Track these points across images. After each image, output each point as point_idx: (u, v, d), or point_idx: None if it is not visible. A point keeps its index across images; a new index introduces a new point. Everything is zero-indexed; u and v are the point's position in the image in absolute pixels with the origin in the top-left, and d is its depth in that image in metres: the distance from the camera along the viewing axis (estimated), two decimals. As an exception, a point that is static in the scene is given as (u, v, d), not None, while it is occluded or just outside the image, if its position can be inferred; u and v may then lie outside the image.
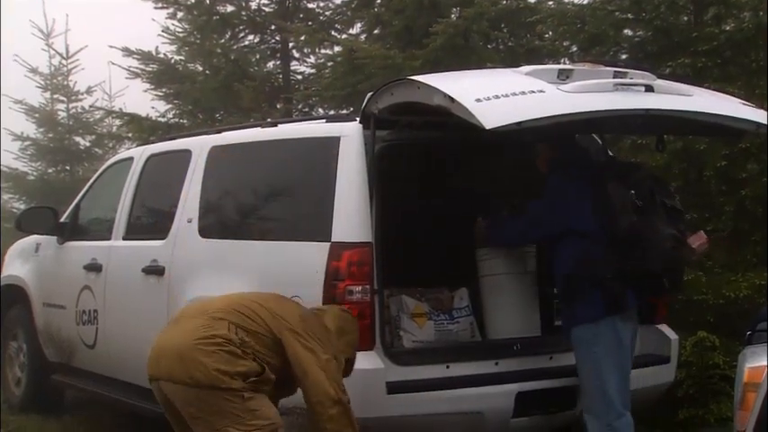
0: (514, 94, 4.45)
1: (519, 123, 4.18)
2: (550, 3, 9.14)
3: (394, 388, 4.71)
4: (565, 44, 8.38)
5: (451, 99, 4.34)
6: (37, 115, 13.71)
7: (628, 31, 7.61)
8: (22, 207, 12.78)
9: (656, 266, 4.78)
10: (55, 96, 13.91)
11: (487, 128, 4.11)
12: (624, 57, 7.75)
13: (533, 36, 8.93)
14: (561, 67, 5.07)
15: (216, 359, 4.02)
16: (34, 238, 7.81)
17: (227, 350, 4.04)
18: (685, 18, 7.27)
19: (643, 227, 4.78)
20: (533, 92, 4.51)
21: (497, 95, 4.38)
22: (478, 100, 4.30)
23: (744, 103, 5.16)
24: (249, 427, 4.03)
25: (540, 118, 4.31)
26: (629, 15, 7.38)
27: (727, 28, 7.11)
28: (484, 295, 5.38)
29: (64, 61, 13.79)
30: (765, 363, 3.95)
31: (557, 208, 4.92)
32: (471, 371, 4.96)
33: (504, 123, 4.16)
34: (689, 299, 6.23)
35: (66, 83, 13.89)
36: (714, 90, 6.59)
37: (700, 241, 5.02)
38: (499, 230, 5.29)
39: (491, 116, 4.18)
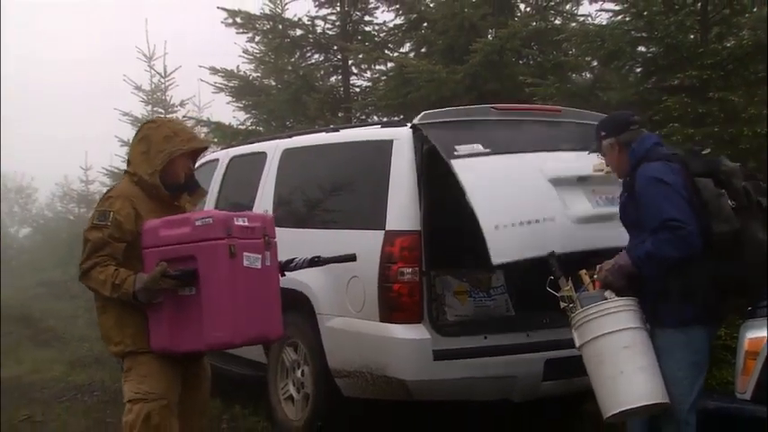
0: (529, 222, 4.52)
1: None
2: (574, 24, 9.05)
3: (439, 355, 4.68)
4: (587, 59, 8.28)
5: (478, 218, 4.38)
6: (140, 125, 13.88)
7: (642, 48, 7.47)
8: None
9: (755, 279, 3.79)
10: (155, 109, 14.09)
11: (494, 263, 4.36)
12: (638, 70, 7.63)
13: (560, 52, 8.83)
14: (580, 174, 4.85)
15: (110, 332, 3.84)
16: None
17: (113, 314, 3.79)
18: (692, 36, 7.13)
19: (741, 234, 3.74)
20: (545, 220, 4.59)
21: (513, 223, 4.48)
22: (497, 227, 4.40)
23: None
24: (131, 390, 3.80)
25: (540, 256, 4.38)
26: (643, 34, 7.25)
27: (729, 45, 6.98)
28: (611, 363, 3.87)
29: (162, 79, 13.98)
30: (764, 334, 3.86)
31: (675, 196, 3.79)
32: (506, 341, 4.90)
33: (507, 261, 4.46)
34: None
35: (163, 97, 14.08)
36: (718, 98, 6.50)
37: None
38: (651, 259, 3.81)
39: (499, 252, 4.37)
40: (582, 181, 4.87)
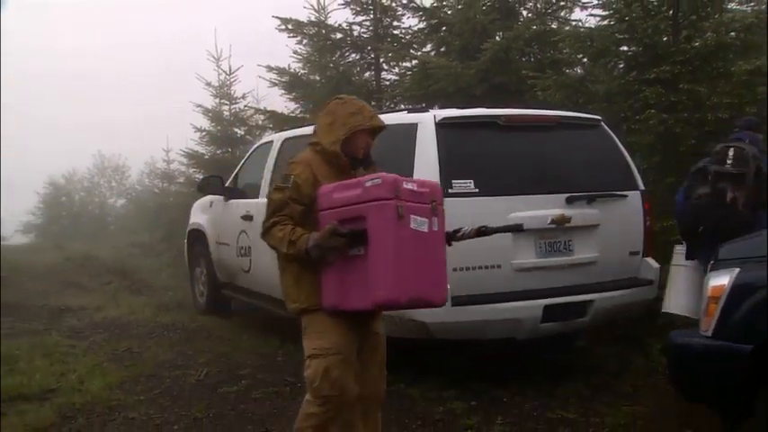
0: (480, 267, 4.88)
1: None
2: (567, 27, 8.93)
3: (457, 301, 4.68)
4: (578, 57, 8.19)
5: None
6: (210, 114, 13.91)
7: (624, 47, 7.37)
8: (200, 177, 13.05)
9: (725, 229, 4.51)
10: (222, 101, 14.09)
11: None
12: (621, 66, 7.51)
13: (556, 51, 8.69)
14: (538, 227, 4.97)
15: (288, 290, 3.48)
16: (209, 197, 7.96)
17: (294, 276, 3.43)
18: (665, 38, 7.03)
19: (716, 196, 4.79)
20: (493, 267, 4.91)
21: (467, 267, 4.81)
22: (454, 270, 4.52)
23: None
24: (310, 347, 3.41)
25: None
26: (625, 36, 7.16)
27: (696, 45, 6.88)
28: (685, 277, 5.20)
29: (228, 77, 13.93)
30: (724, 282, 3.83)
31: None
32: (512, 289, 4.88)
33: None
34: (667, 240, 6.02)
35: (228, 91, 14.02)
36: (687, 89, 6.38)
37: None
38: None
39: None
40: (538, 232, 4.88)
